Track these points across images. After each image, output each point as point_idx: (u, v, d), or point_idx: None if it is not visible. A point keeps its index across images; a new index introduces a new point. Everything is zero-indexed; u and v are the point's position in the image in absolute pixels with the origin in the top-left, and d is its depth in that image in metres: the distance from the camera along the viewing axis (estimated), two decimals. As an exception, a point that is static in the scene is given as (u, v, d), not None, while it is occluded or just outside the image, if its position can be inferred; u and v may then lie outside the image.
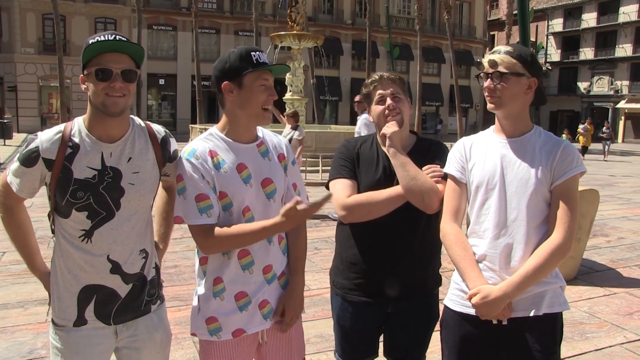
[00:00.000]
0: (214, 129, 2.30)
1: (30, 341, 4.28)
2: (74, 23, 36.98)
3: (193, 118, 35.97)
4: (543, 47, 50.75)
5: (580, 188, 6.35)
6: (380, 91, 2.55)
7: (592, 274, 6.54)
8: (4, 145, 24.64)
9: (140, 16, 30.84)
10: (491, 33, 54.96)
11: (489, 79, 2.23)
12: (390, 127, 2.48)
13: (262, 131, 2.39)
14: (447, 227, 2.35)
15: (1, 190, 2.19)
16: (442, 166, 2.48)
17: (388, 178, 2.51)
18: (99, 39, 2.01)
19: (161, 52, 40.26)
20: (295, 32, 20.18)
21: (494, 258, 2.23)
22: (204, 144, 2.24)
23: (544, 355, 2.20)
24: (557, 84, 53.45)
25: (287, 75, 20.42)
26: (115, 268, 2.14)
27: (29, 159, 2.07)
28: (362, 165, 2.59)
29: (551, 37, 53.91)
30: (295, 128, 10.12)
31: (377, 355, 2.75)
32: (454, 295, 2.37)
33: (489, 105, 2.28)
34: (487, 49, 51.81)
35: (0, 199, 2.21)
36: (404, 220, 2.48)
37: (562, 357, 4.11)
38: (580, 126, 28.78)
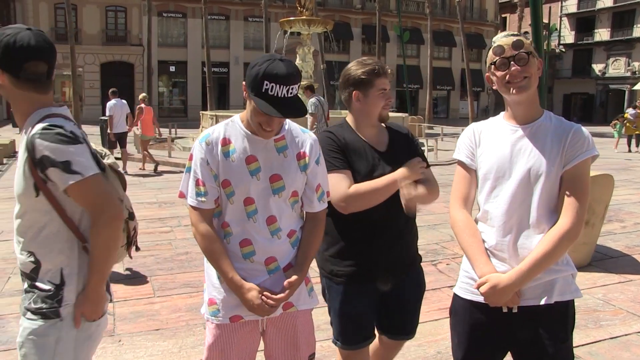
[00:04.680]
0: (237, 117, 2.31)
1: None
2: (85, 12, 36.96)
3: (204, 104, 35.96)
4: (556, 29, 50.10)
5: (593, 173, 6.28)
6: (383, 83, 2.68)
7: (607, 261, 6.46)
8: (18, 133, 24.83)
9: (150, 4, 30.76)
10: (503, 15, 54.30)
11: (511, 64, 2.15)
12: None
13: (290, 125, 2.35)
14: (456, 214, 2.33)
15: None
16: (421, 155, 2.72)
17: (378, 163, 2.63)
18: None
19: (171, 39, 40.21)
20: (304, 17, 20.04)
21: (503, 246, 2.21)
22: (221, 129, 2.28)
23: (555, 343, 2.18)
24: (570, 66, 52.77)
25: (297, 61, 20.32)
26: None
27: None
28: (353, 154, 2.63)
29: (565, 19, 53.15)
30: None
31: (374, 338, 2.83)
32: (464, 283, 2.35)
33: (515, 92, 2.16)
34: (499, 31, 51.35)
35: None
36: (390, 204, 2.54)
37: (575, 345, 4.09)
38: (630, 111, 22.86)
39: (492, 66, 2.22)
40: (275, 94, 2.06)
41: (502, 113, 2.35)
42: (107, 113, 13.65)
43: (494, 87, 2.26)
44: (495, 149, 2.26)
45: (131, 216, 2.30)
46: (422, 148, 2.69)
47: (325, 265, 2.74)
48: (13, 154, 17.21)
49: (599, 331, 4.43)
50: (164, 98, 41.14)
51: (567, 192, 2.13)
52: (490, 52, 2.22)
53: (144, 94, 15.02)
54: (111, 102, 13.80)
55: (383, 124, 2.78)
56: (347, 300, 2.68)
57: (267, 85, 2.05)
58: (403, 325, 2.85)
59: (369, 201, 2.53)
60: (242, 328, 2.31)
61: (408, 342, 4.12)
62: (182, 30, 40.37)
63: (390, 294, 2.73)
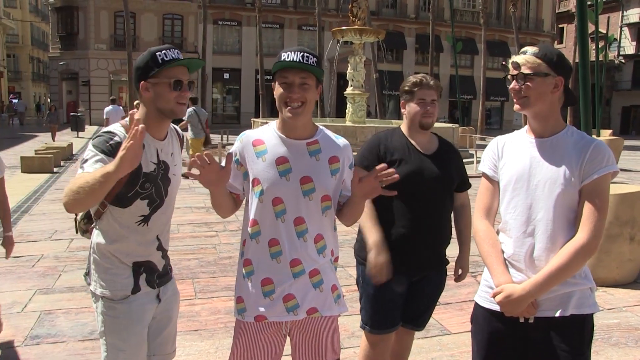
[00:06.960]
0: (273, 122, 2.46)
1: (92, 322, 4.50)
2: (143, 20, 38.32)
3: (257, 112, 36.56)
4: (615, 39, 48.51)
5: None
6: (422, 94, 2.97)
7: (654, 279, 6.26)
8: (77, 137, 25.88)
9: (205, 12, 31.60)
10: (559, 26, 53.04)
11: (514, 81, 2.26)
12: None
13: (324, 132, 2.46)
14: (478, 224, 2.41)
15: None
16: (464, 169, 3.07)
17: (425, 165, 2.93)
18: (174, 57, 2.29)
19: (226, 46, 41.11)
20: (356, 27, 20.12)
21: (520, 256, 2.25)
22: (256, 131, 2.46)
23: (571, 356, 2.20)
24: (630, 77, 50.96)
25: (349, 70, 20.45)
26: (160, 245, 2.54)
27: (111, 152, 2.25)
28: (396, 153, 2.95)
29: (625, 29, 51.44)
30: None
31: (399, 326, 3.09)
32: (484, 292, 2.41)
33: (516, 107, 2.31)
34: (556, 42, 50.23)
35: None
36: (430, 201, 2.91)
37: (613, 363, 4.03)
38: None
39: (506, 80, 2.33)
40: (291, 59, 2.25)
41: (525, 127, 2.42)
42: (104, 116, 16.57)
43: None
44: (515, 161, 2.32)
45: None
46: (472, 159, 2.84)
47: (362, 253, 2.99)
48: (70, 157, 17.95)
49: (638, 351, 4.32)
50: (217, 104, 42.03)
51: (585, 207, 2.16)
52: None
53: (137, 101, 18.01)
54: (108, 108, 17.24)
55: (435, 135, 3.12)
56: (380, 287, 2.90)
57: (283, 55, 2.29)
58: (418, 315, 3.13)
59: None
60: (266, 329, 2.40)
61: (440, 352, 4.16)
62: (236, 38, 41.22)
63: (414, 286, 3.02)
